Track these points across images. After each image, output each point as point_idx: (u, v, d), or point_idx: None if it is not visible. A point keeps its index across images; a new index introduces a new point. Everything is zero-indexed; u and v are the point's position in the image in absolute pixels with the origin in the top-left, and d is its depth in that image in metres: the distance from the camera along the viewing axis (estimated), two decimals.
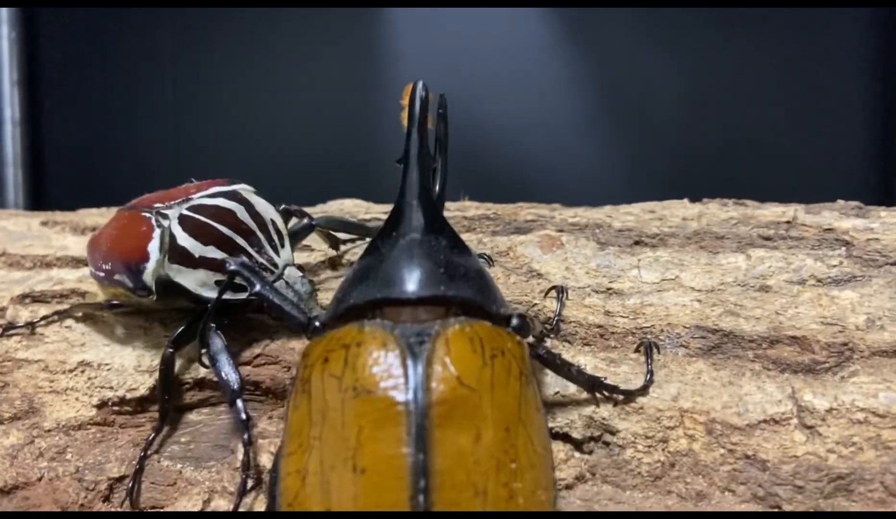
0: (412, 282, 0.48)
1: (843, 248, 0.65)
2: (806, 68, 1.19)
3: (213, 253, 0.60)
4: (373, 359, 0.45)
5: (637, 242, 0.71)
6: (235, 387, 0.57)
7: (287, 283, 0.62)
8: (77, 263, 0.76)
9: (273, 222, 0.64)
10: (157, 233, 0.60)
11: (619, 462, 0.54)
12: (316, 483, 0.44)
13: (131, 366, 0.63)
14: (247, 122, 1.39)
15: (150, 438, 0.60)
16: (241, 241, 0.61)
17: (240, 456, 0.56)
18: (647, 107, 1.26)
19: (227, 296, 0.58)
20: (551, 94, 1.29)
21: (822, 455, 0.52)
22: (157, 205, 0.64)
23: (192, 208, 0.62)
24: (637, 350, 0.60)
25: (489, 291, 0.52)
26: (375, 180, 0.80)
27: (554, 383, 0.57)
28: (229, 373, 0.57)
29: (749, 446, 0.53)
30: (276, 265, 0.62)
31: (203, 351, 0.58)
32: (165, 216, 0.62)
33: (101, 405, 0.62)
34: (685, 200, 0.76)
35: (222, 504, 0.56)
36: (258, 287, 0.53)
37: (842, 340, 0.57)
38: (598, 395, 0.56)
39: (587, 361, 0.60)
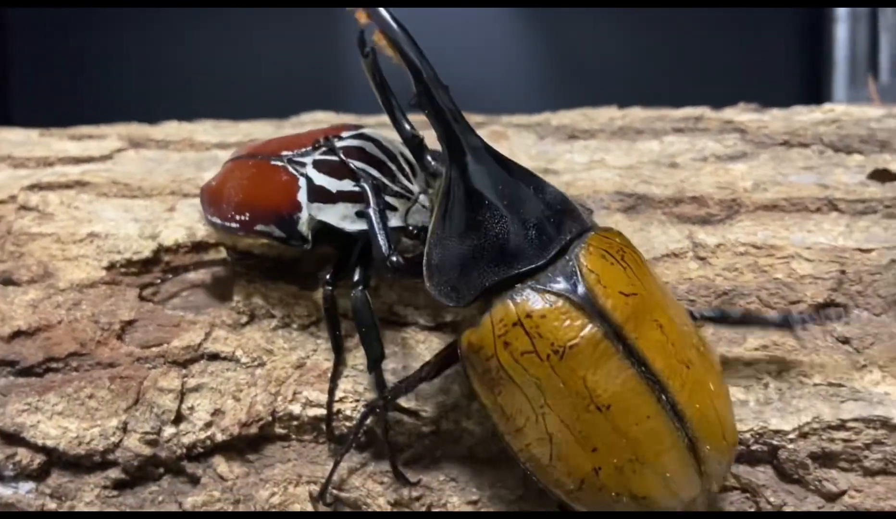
0: (544, 245, 0.51)
1: (738, 134, 0.78)
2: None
3: (348, 186, 0.61)
4: (552, 320, 0.49)
5: (571, 136, 0.83)
6: (376, 355, 0.60)
7: (424, 206, 0.62)
8: (77, 161, 0.85)
9: (402, 154, 0.65)
10: (302, 181, 0.63)
11: None
12: (567, 437, 0.50)
13: (135, 234, 0.73)
14: (218, 46, 1.50)
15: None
16: (373, 171, 0.62)
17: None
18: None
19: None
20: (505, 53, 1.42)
21: (711, 277, 0.65)
22: (284, 153, 0.66)
23: (324, 153, 0.64)
24: None
25: (576, 206, 0.55)
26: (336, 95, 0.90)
27: None
28: (372, 339, 0.60)
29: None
30: (410, 192, 0.63)
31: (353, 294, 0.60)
32: (302, 164, 0.64)
33: (110, 267, 0.72)
34: (614, 106, 0.88)
35: (222, 334, 0.66)
36: (371, 206, 0.57)
37: (732, 197, 0.70)
38: None
39: None
